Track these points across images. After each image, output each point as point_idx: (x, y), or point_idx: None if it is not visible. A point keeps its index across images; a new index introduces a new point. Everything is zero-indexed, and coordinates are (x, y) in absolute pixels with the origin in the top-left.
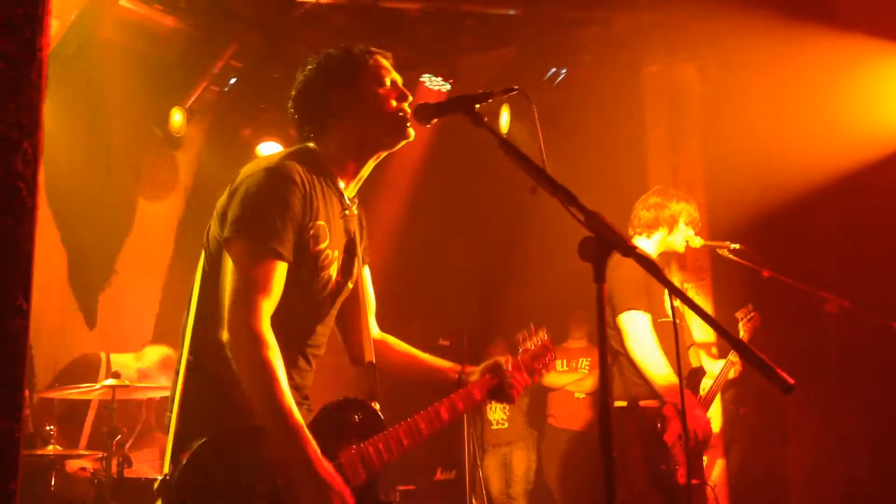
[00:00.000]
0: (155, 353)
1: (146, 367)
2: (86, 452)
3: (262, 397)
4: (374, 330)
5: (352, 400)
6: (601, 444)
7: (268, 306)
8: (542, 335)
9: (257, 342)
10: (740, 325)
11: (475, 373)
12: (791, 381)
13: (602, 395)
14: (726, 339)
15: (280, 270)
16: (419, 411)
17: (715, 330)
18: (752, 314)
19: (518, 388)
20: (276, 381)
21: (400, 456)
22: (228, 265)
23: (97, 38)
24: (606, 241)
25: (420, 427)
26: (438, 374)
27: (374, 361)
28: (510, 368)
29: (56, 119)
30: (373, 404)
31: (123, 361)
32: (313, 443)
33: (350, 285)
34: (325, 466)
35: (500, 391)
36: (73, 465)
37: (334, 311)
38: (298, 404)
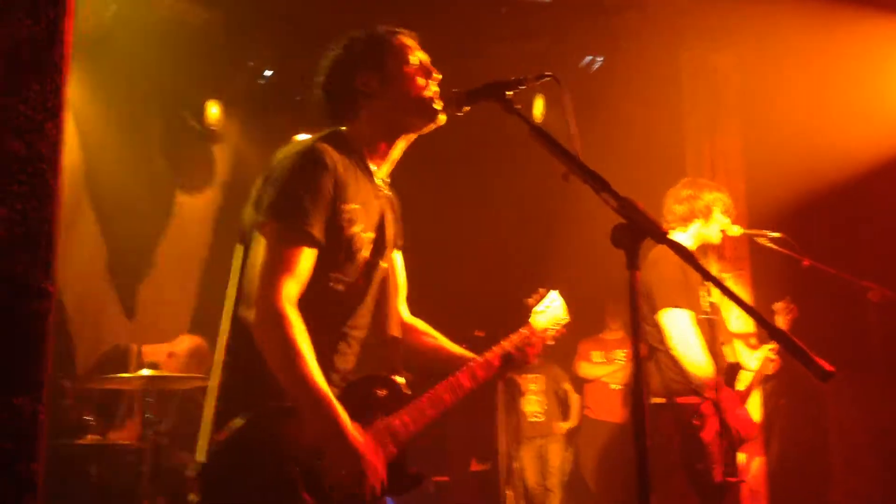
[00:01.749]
0: (187, 342)
1: (177, 353)
2: (124, 442)
3: (287, 373)
4: (405, 313)
5: (375, 376)
6: (635, 439)
7: (295, 288)
8: (553, 296)
9: (281, 319)
10: (778, 318)
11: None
12: (829, 367)
13: (635, 386)
14: (764, 326)
15: (310, 254)
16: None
17: (753, 318)
18: (791, 306)
19: (531, 354)
20: (300, 356)
21: (426, 426)
22: (261, 248)
23: (134, 30)
24: (639, 227)
25: (443, 397)
26: (463, 362)
27: (397, 336)
28: (524, 337)
29: (95, 111)
30: (396, 378)
31: (155, 350)
32: (344, 415)
33: (384, 265)
34: (357, 437)
35: (513, 359)
36: (113, 449)
37: (373, 291)
38: (338, 386)
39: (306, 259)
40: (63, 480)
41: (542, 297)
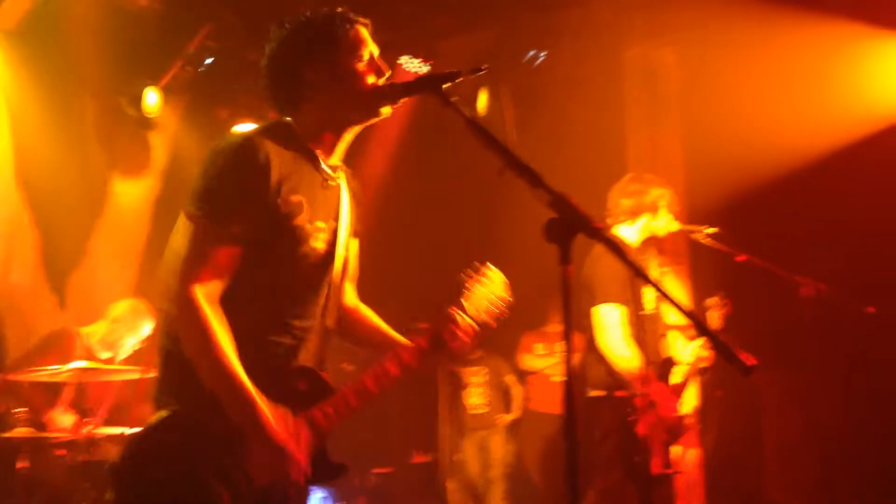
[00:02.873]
0: (123, 304)
1: (119, 316)
2: (56, 435)
3: (204, 365)
4: (350, 298)
5: (298, 368)
6: (565, 433)
7: (214, 281)
8: (489, 273)
9: (198, 311)
10: (711, 313)
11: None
12: (750, 362)
13: (567, 381)
14: (688, 318)
15: (231, 251)
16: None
17: (680, 312)
18: (725, 302)
19: (459, 337)
20: (216, 347)
21: (350, 417)
22: (184, 239)
23: (70, 16)
24: (572, 222)
25: (368, 386)
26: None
27: (331, 328)
28: (452, 314)
29: (28, 99)
30: (320, 371)
31: (94, 331)
32: (263, 406)
33: (339, 253)
34: (277, 429)
35: (443, 341)
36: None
37: (326, 281)
38: (283, 378)
39: (226, 256)
40: None
41: (476, 271)
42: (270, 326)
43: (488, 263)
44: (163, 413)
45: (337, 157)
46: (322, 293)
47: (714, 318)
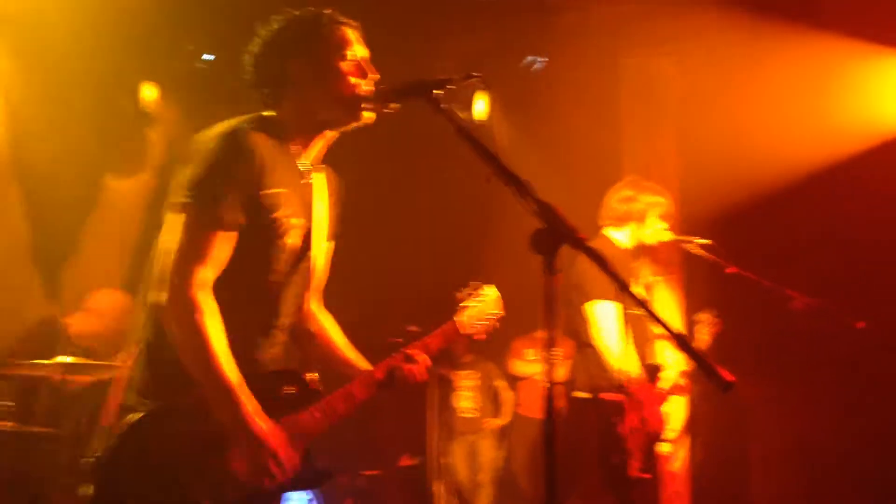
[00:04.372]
0: (106, 297)
1: (100, 309)
2: (42, 429)
3: (195, 360)
4: (315, 305)
5: (284, 371)
6: (544, 440)
7: (208, 274)
8: (484, 290)
9: (191, 305)
10: (700, 328)
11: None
12: (730, 379)
13: (548, 388)
14: (668, 332)
15: (226, 238)
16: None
17: (660, 325)
18: (715, 320)
19: (414, 373)
20: (209, 343)
21: (336, 422)
22: (176, 231)
23: (68, 8)
24: (557, 232)
25: (353, 393)
26: (349, 370)
27: (312, 331)
28: (445, 333)
29: (25, 92)
30: (307, 375)
31: (75, 318)
32: (248, 402)
33: (313, 252)
34: (261, 425)
35: (393, 377)
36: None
37: (298, 279)
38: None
39: (222, 244)
40: None
41: (473, 291)
42: (245, 321)
43: (489, 285)
44: (143, 410)
45: (312, 155)
46: (293, 291)
47: (703, 333)
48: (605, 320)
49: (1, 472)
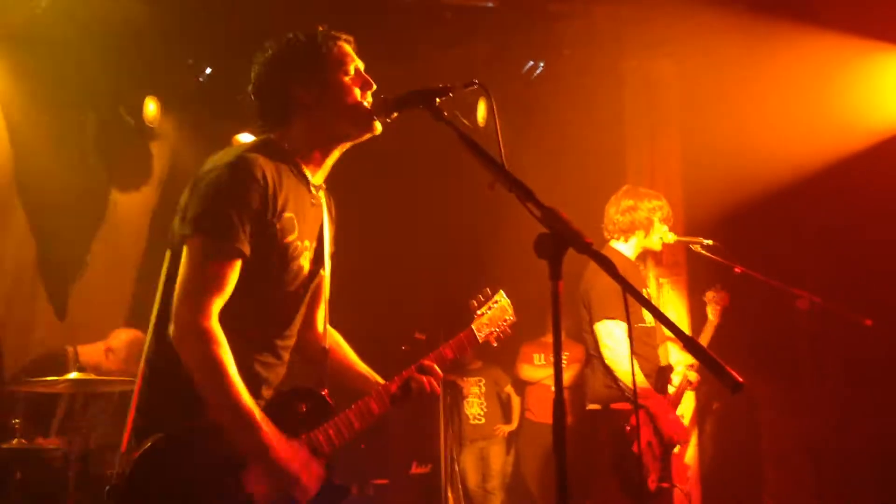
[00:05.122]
0: (124, 336)
1: (115, 347)
2: (51, 447)
3: (211, 390)
4: (321, 322)
5: (297, 389)
6: (554, 447)
7: (217, 303)
8: (497, 298)
9: (204, 336)
10: (709, 307)
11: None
12: (740, 380)
13: (557, 392)
14: (677, 335)
15: (234, 268)
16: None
17: (668, 328)
18: (722, 294)
19: (428, 385)
20: (225, 373)
21: (352, 439)
22: (184, 261)
23: (71, 25)
24: (562, 238)
25: (371, 407)
26: (365, 384)
27: (327, 348)
28: (460, 341)
29: (28, 108)
30: (320, 391)
31: (92, 350)
32: (267, 429)
33: (323, 273)
34: (281, 451)
35: (408, 389)
36: (39, 454)
37: (308, 300)
38: (267, 399)
39: (230, 274)
40: None
41: (487, 298)
42: (255, 344)
43: (500, 291)
44: (154, 438)
45: (322, 176)
46: (302, 313)
47: (712, 313)
48: (612, 338)
49: (11, 488)
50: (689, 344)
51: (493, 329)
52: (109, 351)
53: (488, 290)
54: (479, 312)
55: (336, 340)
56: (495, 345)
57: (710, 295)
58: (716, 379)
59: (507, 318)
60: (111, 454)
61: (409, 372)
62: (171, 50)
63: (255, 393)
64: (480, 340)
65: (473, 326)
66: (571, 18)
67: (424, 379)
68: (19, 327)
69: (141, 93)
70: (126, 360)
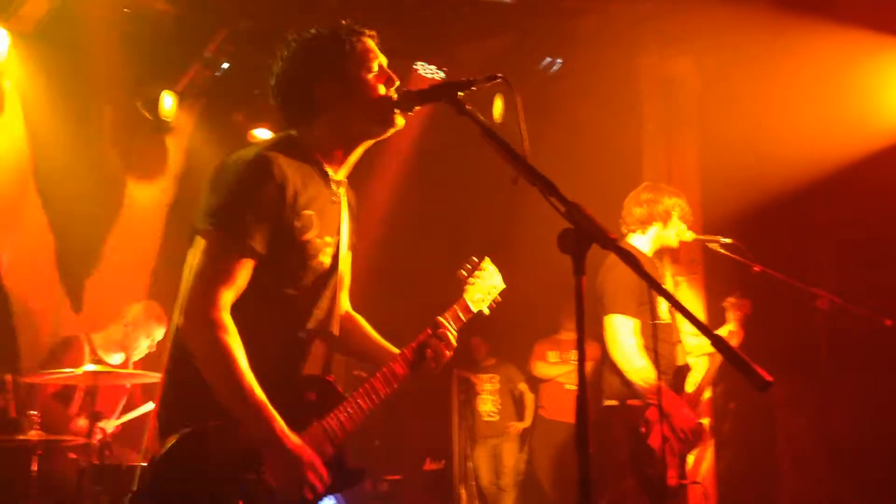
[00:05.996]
0: (137, 307)
1: (133, 319)
2: (68, 438)
3: (220, 380)
4: (344, 305)
5: (305, 377)
6: (577, 442)
7: (229, 297)
8: (484, 265)
9: (212, 326)
10: (729, 314)
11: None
12: (768, 378)
13: (580, 390)
14: (704, 333)
15: (247, 265)
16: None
17: (694, 325)
18: (743, 301)
19: (438, 350)
20: (232, 362)
21: (362, 421)
22: (199, 255)
23: (87, 19)
24: (586, 232)
25: (377, 388)
26: (387, 355)
27: (335, 334)
28: (454, 312)
29: (45, 102)
30: (328, 377)
31: (111, 333)
32: (279, 419)
33: (341, 268)
34: (294, 441)
35: (423, 354)
36: (56, 445)
37: (328, 294)
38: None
39: (243, 270)
40: (4, 477)
41: (474, 266)
42: (275, 338)
43: (485, 257)
44: (176, 436)
45: (344, 173)
46: (323, 305)
47: (732, 319)
48: (621, 334)
49: (29, 481)
50: (715, 341)
51: (484, 296)
52: (128, 325)
53: (475, 258)
54: (468, 282)
55: (359, 319)
56: (488, 313)
57: (730, 301)
58: (743, 377)
59: (496, 284)
60: (129, 446)
61: (424, 336)
62: (188, 44)
63: (275, 382)
64: (475, 310)
65: (465, 296)
66: (588, 14)
67: (437, 343)
68: (37, 319)
69: (158, 86)
70: (146, 326)
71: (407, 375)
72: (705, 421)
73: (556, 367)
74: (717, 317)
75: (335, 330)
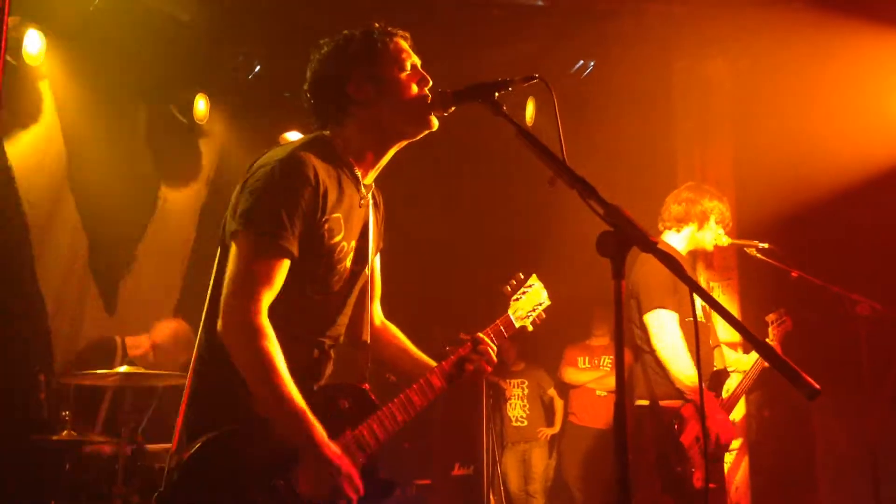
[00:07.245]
0: (167, 328)
1: (160, 342)
2: (100, 439)
3: (260, 386)
4: (378, 316)
5: (339, 385)
6: (615, 446)
7: (266, 299)
8: (531, 282)
9: (253, 331)
10: (770, 329)
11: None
12: (817, 386)
13: (618, 393)
14: (750, 340)
15: (283, 266)
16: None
17: (738, 331)
18: (784, 318)
19: (479, 366)
20: (274, 368)
21: (396, 432)
22: (233, 257)
23: (122, 24)
24: (625, 235)
25: (413, 399)
26: (425, 369)
27: (368, 342)
28: (497, 327)
29: (81, 105)
30: (363, 385)
31: (138, 343)
32: (318, 426)
33: (367, 272)
34: (332, 448)
35: (462, 367)
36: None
37: (353, 300)
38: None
39: (279, 271)
40: (37, 476)
41: (520, 282)
42: (300, 341)
43: (533, 274)
44: (204, 438)
45: (373, 176)
46: (348, 311)
47: (772, 335)
48: (665, 329)
49: (59, 481)
50: (761, 348)
51: (529, 313)
52: (155, 346)
53: (521, 274)
54: (514, 298)
55: (395, 330)
56: (531, 329)
57: (772, 317)
58: (792, 386)
59: (542, 301)
60: (160, 448)
61: (464, 350)
62: (221, 47)
63: (307, 388)
64: (517, 326)
65: (510, 312)
66: (622, 17)
67: (477, 358)
68: (70, 321)
69: (191, 90)
70: (173, 353)
71: (444, 388)
72: (736, 443)
73: (587, 373)
74: (753, 324)
75: (367, 337)
